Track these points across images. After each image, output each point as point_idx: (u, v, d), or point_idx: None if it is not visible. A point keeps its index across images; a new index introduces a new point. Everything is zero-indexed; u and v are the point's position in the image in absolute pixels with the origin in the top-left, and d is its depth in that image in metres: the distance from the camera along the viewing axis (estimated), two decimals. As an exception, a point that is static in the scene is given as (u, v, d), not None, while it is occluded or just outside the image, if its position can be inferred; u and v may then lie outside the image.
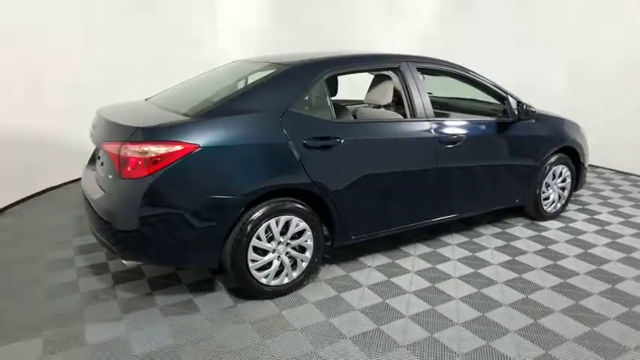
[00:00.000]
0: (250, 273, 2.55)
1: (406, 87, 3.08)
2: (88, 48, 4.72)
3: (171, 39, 5.43)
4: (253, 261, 2.55)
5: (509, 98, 3.57)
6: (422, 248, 3.41)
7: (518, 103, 3.51)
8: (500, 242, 3.56)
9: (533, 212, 3.96)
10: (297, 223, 2.64)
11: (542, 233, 3.76)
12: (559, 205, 4.07)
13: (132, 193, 2.28)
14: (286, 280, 2.69)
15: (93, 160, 3.00)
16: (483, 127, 3.41)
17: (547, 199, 3.96)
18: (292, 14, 6.49)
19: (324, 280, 2.92)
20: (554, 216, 4.08)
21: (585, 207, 4.45)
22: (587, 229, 3.85)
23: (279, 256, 2.63)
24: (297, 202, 2.62)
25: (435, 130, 3.09)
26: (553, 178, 3.93)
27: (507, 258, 3.28)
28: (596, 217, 4.17)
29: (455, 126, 3.23)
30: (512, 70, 6.45)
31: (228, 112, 2.48)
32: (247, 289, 2.61)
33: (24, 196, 4.37)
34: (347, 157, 2.73)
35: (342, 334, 2.35)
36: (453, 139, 3.16)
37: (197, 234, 2.38)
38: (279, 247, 2.62)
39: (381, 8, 7.28)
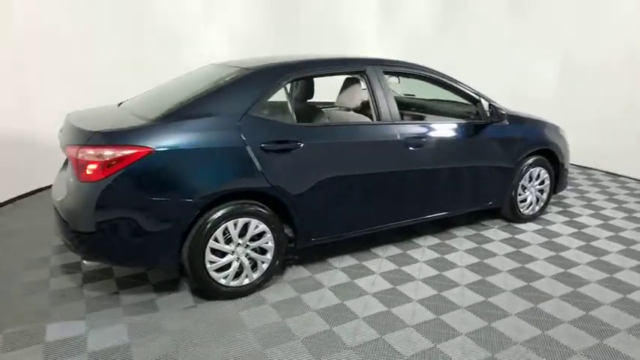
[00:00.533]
0: (209, 274, 2.61)
1: (372, 91, 3.11)
2: (79, 47, 4.78)
3: (160, 39, 5.50)
4: (212, 262, 2.60)
5: (482, 100, 3.57)
6: (392, 250, 3.43)
7: (490, 105, 3.51)
8: (471, 244, 3.56)
9: (510, 214, 3.95)
10: (257, 225, 2.69)
11: (516, 236, 3.75)
12: (537, 207, 4.05)
13: (88, 195, 2.36)
14: (246, 281, 2.74)
15: (66, 163, 3.09)
16: (452, 129, 3.41)
17: (524, 201, 3.95)
18: (290, 15, 6.50)
19: (287, 281, 2.97)
20: (532, 218, 4.06)
21: (567, 209, 4.42)
22: (563, 232, 3.83)
23: (238, 258, 2.69)
24: (256, 205, 2.67)
25: (400, 133, 3.11)
26: (530, 181, 3.91)
27: (475, 260, 3.29)
28: (576, 219, 4.14)
29: (421, 129, 3.24)
30: (506, 70, 6.44)
31: (185, 116, 2.54)
32: (206, 290, 2.67)
33: (15, 196, 4.50)
34: (307, 160, 2.77)
35: (294, 335, 2.40)
36: (419, 142, 3.18)
37: (152, 236, 2.44)
38: (238, 248, 2.68)
39: (376, 9, 7.28)
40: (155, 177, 2.41)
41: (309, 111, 3.58)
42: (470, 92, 3.57)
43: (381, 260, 3.26)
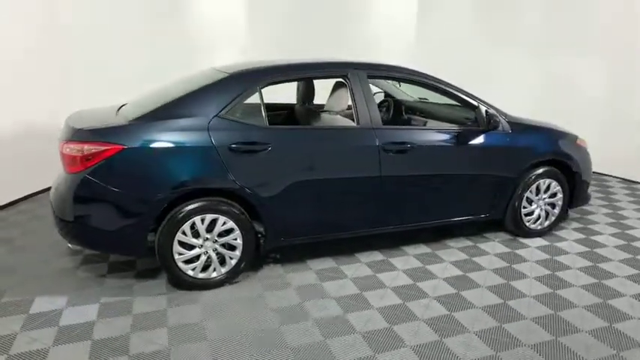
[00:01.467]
0: (177, 265, 2.78)
1: (353, 95, 3.11)
2: (85, 49, 5.05)
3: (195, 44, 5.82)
4: (180, 254, 2.77)
5: (480, 107, 3.41)
6: (375, 256, 3.40)
7: (486, 112, 3.35)
8: (462, 257, 3.42)
9: (514, 228, 3.73)
10: (224, 222, 2.81)
11: (516, 251, 3.54)
12: (547, 222, 3.79)
13: (69, 187, 2.62)
14: (214, 275, 2.88)
15: None
16: (442, 135, 3.31)
17: (530, 214, 3.70)
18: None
19: (259, 278, 3.06)
20: (542, 233, 3.80)
21: (588, 225, 4.08)
22: (571, 250, 3.55)
23: (206, 252, 2.83)
24: (223, 202, 2.79)
25: (379, 138, 3.07)
26: (538, 193, 3.66)
27: (458, 273, 3.16)
28: (594, 237, 3.81)
29: (404, 135, 3.18)
30: (543, 71, 6.05)
31: (160, 117, 2.72)
32: (175, 280, 2.84)
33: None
34: (276, 162, 2.85)
35: (243, 332, 2.47)
36: (401, 148, 3.12)
37: (123, 226, 2.65)
38: (207, 243, 2.82)
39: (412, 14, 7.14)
40: (126, 172, 2.61)
41: (306, 113, 3.66)
42: (466, 98, 3.43)
43: (360, 265, 3.24)
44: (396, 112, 4.27)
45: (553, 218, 3.80)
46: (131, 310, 2.66)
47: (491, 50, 6.54)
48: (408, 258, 3.38)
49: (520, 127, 3.55)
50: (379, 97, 4.47)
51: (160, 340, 2.39)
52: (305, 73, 3.14)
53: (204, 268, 2.87)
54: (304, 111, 3.71)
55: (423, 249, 3.53)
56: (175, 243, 2.74)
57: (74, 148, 2.59)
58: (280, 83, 3.06)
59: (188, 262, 2.81)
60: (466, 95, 3.43)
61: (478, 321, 2.60)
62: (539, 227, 3.77)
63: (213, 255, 2.85)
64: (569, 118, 4.69)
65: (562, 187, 3.73)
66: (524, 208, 3.66)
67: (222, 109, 2.79)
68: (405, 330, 2.50)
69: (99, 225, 2.66)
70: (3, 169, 4.28)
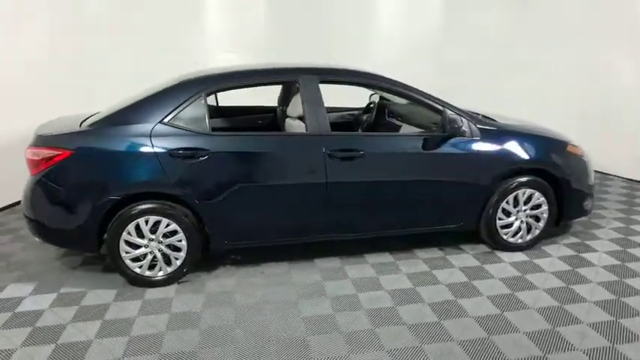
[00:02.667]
0: (124, 262, 2.97)
1: (303, 101, 3.09)
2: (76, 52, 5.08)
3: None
4: (127, 252, 2.96)
5: (446, 111, 3.22)
6: (331, 262, 3.36)
7: (447, 117, 3.15)
8: (423, 268, 3.27)
9: (490, 240, 3.49)
10: (168, 224, 2.95)
11: (485, 265, 3.31)
12: (529, 236, 3.48)
13: (29, 188, 2.91)
14: (160, 274, 3.04)
15: None
16: (398, 141, 3.18)
17: (508, 226, 3.43)
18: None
19: (208, 277, 3.17)
20: (525, 247, 3.50)
21: (587, 240, 3.69)
22: (549, 269, 3.24)
23: (151, 252, 2.99)
24: (166, 205, 2.93)
25: (326, 144, 3.03)
26: (517, 204, 3.38)
27: (407, 286, 3.02)
28: (584, 254, 3.44)
29: (355, 141, 3.11)
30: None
31: (111, 124, 2.92)
32: (124, 277, 3.04)
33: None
34: (216, 168, 2.92)
35: (160, 333, 2.57)
36: (348, 155, 3.05)
37: (75, 225, 2.89)
38: (152, 243, 2.98)
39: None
40: (74, 175, 2.84)
41: (274, 119, 3.70)
42: (430, 102, 3.25)
43: (309, 273, 3.22)
44: (379, 115, 4.14)
45: (537, 232, 3.49)
46: (83, 296, 2.90)
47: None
48: (364, 267, 3.30)
49: (493, 133, 3.30)
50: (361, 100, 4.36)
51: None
52: (254, 79, 3.17)
53: (153, 267, 3.03)
54: (276, 116, 3.75)
55: (385, 258, 3.43)
56: (122, 242, 2.93)
57: (33, 153, 2.87)
58: (227, 90, 3.13)
59: (137, 260, 3.00)
60: (430, 99, 3.26)
61: (399, 339, 2.48)
62: (519, 241, 3.48)
63: (159, 255, 3.01)
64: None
65: (547, 199, 3.40)
66: (501, 219, 3.40)
67: (166, 116, 2.92)
68: (318, 344, 2.47)
69: (54, 223, 2.93)
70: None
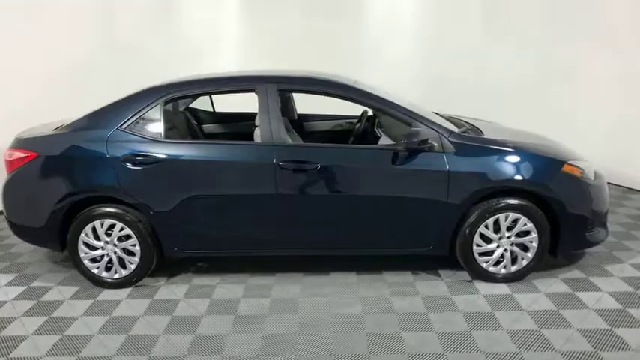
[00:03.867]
0: (83, 263, 3.09)
1: (260, 110, 2.99)
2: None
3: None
4: (85, 253, 3.08)
5: (413, 124, 2.94)
6: (262, 279, 3.20)
7: (409, 131, 2.86)
8: (383, 293, 3.00)
9: (467, 269, 3.12)
10: (122, 228, 3.02)
11: (454, 296, 2.96)
12: (514, 267, 3.06)
13: (3, 187, 3.14)
14: (116, 276, 3.12)
15: None
16: (361, 155, 2.96)
17: (488, 254, 3.04)
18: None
19: (163, 284, 3.19)
20: (512, 279, 3.08)
21: (593, 276, 3.15)
22: (528, 307, 2.80)
23: (107, 253, 3.08)
24: (120, 210, 3.00)
25: (278, 155, 2.90)
26: (499, 230, 2.98)
27: (356, 312, 2.79)
28: (581, 293, 2.94)
29: (309, 153, 2.94)
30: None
31: (76, 129, 3.05)
32: (84, 277, 3.16)
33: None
34: (166, 175, 2.93)
35: (91, 333, 2.64)
36: (300, 167, 2.90)
37: (39, 224, 3.05)
38: (108, 245, 3.06)
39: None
40: (39, 176, 3.01)
41: (247, 127, 3.64)
42: (398, 113, 2.99)
43: (238, 286, 3.12)
44: (369, 125, 3.90)
45: (524, 263, 3.05)
46: (46, 291, 3.07)
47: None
48: (322, 287, 3.11)
49: (470, 148, 2.94)
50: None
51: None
52: (212, 88, 3.14)
53: (109, 269, 3.12)
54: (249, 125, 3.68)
55: (350, 278, 3.21)
56: (80, 242, 3.05)
57: (8, 154, 3.10)
58: (184, 98, 3.14)
59: (95, 260, 3.10)
60: (398, 110, 3.00)
61: (313, 370, 2.29)
62: (502, 271, 3.07)
63: (114, 257, 3.09)
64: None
65: (536, 225, 2.96)
66: (479, 246, 3.02)
67: (123, 123, 2.99)
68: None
69: (23, 221, 3.13)
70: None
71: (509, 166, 2.93)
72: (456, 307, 2.83)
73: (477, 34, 6.17)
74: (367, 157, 2.98)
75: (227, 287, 3.12)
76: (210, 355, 2.42)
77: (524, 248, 3.04)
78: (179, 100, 3.52)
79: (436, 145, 2.91)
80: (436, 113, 3.61)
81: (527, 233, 2.99)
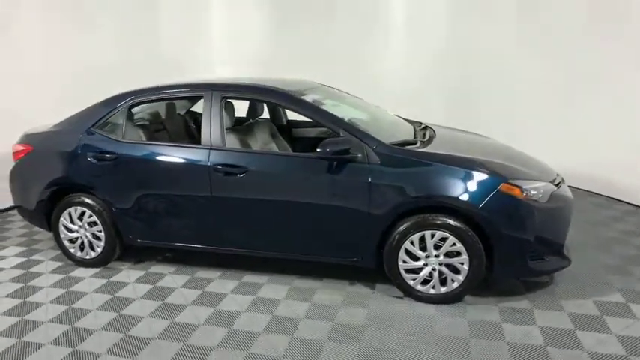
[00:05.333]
0: (63, 243, 3.60)
1: (204, 114, 3.22)
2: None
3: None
4: (64, 235, 3.58)
5: (342, 132, 2.93)
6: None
7: (329, 140, 2.87)
8: (306, 306, 3.03)
9: (396, 285, 3.01)
10: (90, 215, 3.46)
11: (347, 307, 2.88)
12: (443, 288, 2.89)
13: (9, 174, 3.77)
14: (87, 257, 3.57)
15: None
16: (288, 161, 3.05)
17: (415, 271, 2.90)
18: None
19: (122, 269, 3.57)
20: (445, 300, 2.90)
21: (536, 308, 2.82)
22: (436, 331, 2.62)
23: (80, 237, 3.55)
24: (90, 199, 3.44)
25: (212, 158, 3.10)
26: (425, 248, 2.84)
27: (264, 318, 2.86)
28: (505, 326, 2.66)
29: (238, 157, 3.09)
30: None
31: (63, 126, 3.56)
32: (63, 254, 3.66)
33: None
34: (121, 171, 3.31)
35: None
36: (230, 170, 3.06)
37: (32, 208, 3.62)
38: (81, 230, 3.53)
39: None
40: (32, 166, 3.58)
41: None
42: (327, 123, 3.00)
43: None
44: None
45: (455, 285, 2.85)
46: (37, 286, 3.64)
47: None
48: (224, 283, 3.23)
49: (398, 160, 2.85)
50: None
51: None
52: (167, 94, 3.42)
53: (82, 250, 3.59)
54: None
55: (258, 279, 3.28)
56: (60, 226, 3.57)
57: (15, 147, 3.72)
58: (146, 103, 3.48)
59: (72, 241, 3.60)
60: (329, 120, 3.02)
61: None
62: (431, 291, 2.90)
63: (85, 240, 3.55)
64: None
65: (466, 246, 2.76)
66: (405, 262, 2.90)
67: (95, 123, 3.44)
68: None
69: (21, 203, 3.73)
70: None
71: (436, 181, 2.78)
72: (344, 320, 2.77)
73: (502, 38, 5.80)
74: (291, 164, 3.04)
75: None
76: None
77: (456, 270, 2.84)
78: (176, 103, 3.98)
79: (359, 155, 2.87)
80: (410, 121, 3.59)
81: (457, 254, 2.81)
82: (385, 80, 6.67)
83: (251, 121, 3.92)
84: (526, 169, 3.01)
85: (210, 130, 3.17)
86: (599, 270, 3.32)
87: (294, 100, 3.14)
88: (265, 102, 3.23)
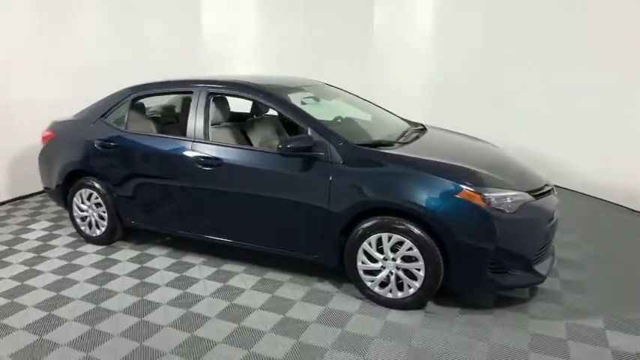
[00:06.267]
0: (76, 221, 4.00)
1: (192, 108, 3.41)
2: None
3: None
4: (76, 213, 3.98)
5: (309, 131, 2.97)
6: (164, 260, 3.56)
7: (289, 138, 2.94)
8: (266, 297, 3.08)
9: (356, 286, 2.98)
10: (97, 197, 3.82)
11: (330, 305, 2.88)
12: (400, 293, 2.81)
13: (38, 158, 4.25)
14: (93, 235, 3.94)
15: None
16: (256, 155, 3.14)
17: (373, 273, 2.86)
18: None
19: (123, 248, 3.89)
20: (406, 306, 2.82)
21: (493, 326, 2.65)
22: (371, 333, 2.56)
23: (90, 215, 3.92)
24: (97, 182, 3.79)
25: (193, 151, 3.29)
26: (384, 250, 2.79)
27: (223, 304, 2.97)
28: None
29: (214, 150, 3.24)
30: None
31: (81, 117, 3.96)
32: (75, 230, 4.06)
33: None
34: (120, 158, 3.61)
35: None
36: (207, 162, 3.22)
37: (53, 187, 4.07)
38: (89, 210, 3.90)
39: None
40: (54, 150, 4.02)
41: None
42: (298, 120, 3.06)
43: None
44: None
45: (411, 291, 2.77)
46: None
47: None
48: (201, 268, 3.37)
49: (359, 160, 2.84)
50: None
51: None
52: (164, 89, 3.67)
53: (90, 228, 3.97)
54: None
55: (236, 268, 3.38)
56: (74, 205, 3.97)
57: (43, 133, 4.19)
58: (147, 97, 3.76)
59: (83, 220, 3.98)
60: (299, 117, 3.08)
61: (139, 334, 2.62)
62: (389, 295, 2.84)
63: (93, 219, 3.91)
64: None
65: (422, 252, 2.67)
66: (364, 263, 2.87)
67: (104, 114, 3.78)
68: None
69: (46, 184, 4.20)
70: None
71: (393, 183, 2.72)
72: (304, 322, 2.78)
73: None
74: (258, 159, 3.15)
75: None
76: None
77: (413, 275, 2.76)
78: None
79: (322, 153, 2.89)
80: (411, 122, 3.63)
81: (414, 259, 2.72)
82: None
83: (254, 117, 4.08)
84: (502, 177, 2.84)
85: (195, 123, 3.36)
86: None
87: (266, 96, 3.25)
88: (244, 98, 3.36)
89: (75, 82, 5.44)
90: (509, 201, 2.63)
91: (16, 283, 3.28)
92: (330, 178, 2.86)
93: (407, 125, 3.79)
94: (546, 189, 2.97)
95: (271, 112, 4.34)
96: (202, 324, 2.75)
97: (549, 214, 2.81)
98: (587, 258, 3.56)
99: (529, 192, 2.79)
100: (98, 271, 3.46)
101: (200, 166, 3.26)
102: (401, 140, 3.25)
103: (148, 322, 2.77)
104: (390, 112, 4.12)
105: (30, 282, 3.30)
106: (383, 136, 3.29)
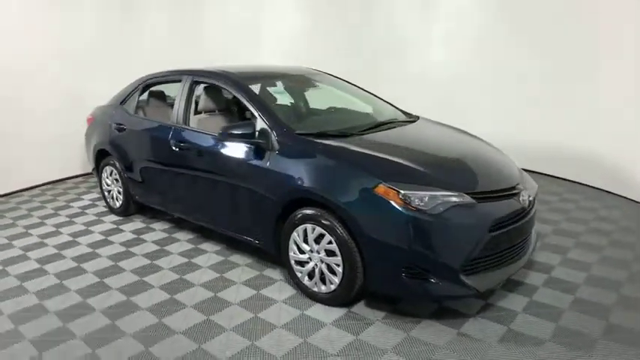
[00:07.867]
0: (104, 194, 4.61)
1: (178, 95, 3.69)
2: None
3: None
4: (104, 187, 4.58)
5: (258, 119, 3.03)
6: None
7: (231, 124, 3.06)
8: (211, 276, 3.23)
9: (291, 278, 2.96)
10: (115, 174, 4.35)
11: (264, 291, 2.91)
12: (323, 287, 2.74)
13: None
14: (114, 206, 4.49)
15: None
16: (214, 140, 3.28)
17: (302, 264, 2.82)
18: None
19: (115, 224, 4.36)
20: (326, 301, 2.75)
21: (423, 329, 2.42)
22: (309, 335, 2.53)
23: (111, 190, 4.48)
24: (114, 161, 4.31)
25: (172, 135, 3.56)
26: (309, 242, 2.73)
27: (174, 277, 3.20)
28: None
29: (187, 135, 3.47)
30: None
31: (112, 103, 4.53)
32: (104, 200, 4.67)
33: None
34: (128, 140, 4.07)
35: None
36: (182, 146, 3.48)
37: (93, 165, 4.73)
38: (112, 185, 4.46)
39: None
40: (91, 132, 4.66)
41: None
42: (251, 109, 3.14)
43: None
44: None
45: (332, 287, 2.66)
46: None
47: None
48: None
49: (293, 149, 2.83)
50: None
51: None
52: (164, 78, 3.98)
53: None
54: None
55: (211, 247, 3.54)
56: (102, 180, 4.57)
57: (88, 117, 4.89)
58: (154, 86, 4.15)
59: (108, 192, 4.56)
60: (254, 105, 3.16)
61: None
62: (315, 289, 2.77)
63: (114, 193, 4.46)
64: None
65: (340, 246, 2.56)
66: (295, 253, 2.84)
67: (123, 100, 4.29)
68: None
69: (89, 161, 4.89)
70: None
71: (313, 173, 2.67)
72: (225, 305, 2.85)
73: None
74: (211, 143, 3.30)
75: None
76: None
77: (333, 271, 2.65)
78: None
79: (263, 141, 2.93)
80: (407, 113, 3.72)
81: (335, 254, 2.62)
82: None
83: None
84: (446, 175, 2.57)
85: (178, 109, 3.64)
86: None
87: (234, 84, 3.36)
88: (215, 85, 3.54)
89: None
90: (436, 201, 2.38)
91: (36, 240, 3.94)
92: (267, 165, 2.89)
93: (396, 116, 3.61)
94: (512, 192, 2.61)
95: (280, 101, 4.48)
96: (146, 290, 3.01)
97: (494, 220, 2.45)
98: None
99: (475, 194, 2.48)
100: (102, 237, 3.97)
101: (176, 149, 3.53)
102: (368, 131, 3.10)
103: (105, 284, 3.12)
104: (389, 103, 3.94)
105: (47, 241, 3.92)
106: (354, 125, 3.20)
